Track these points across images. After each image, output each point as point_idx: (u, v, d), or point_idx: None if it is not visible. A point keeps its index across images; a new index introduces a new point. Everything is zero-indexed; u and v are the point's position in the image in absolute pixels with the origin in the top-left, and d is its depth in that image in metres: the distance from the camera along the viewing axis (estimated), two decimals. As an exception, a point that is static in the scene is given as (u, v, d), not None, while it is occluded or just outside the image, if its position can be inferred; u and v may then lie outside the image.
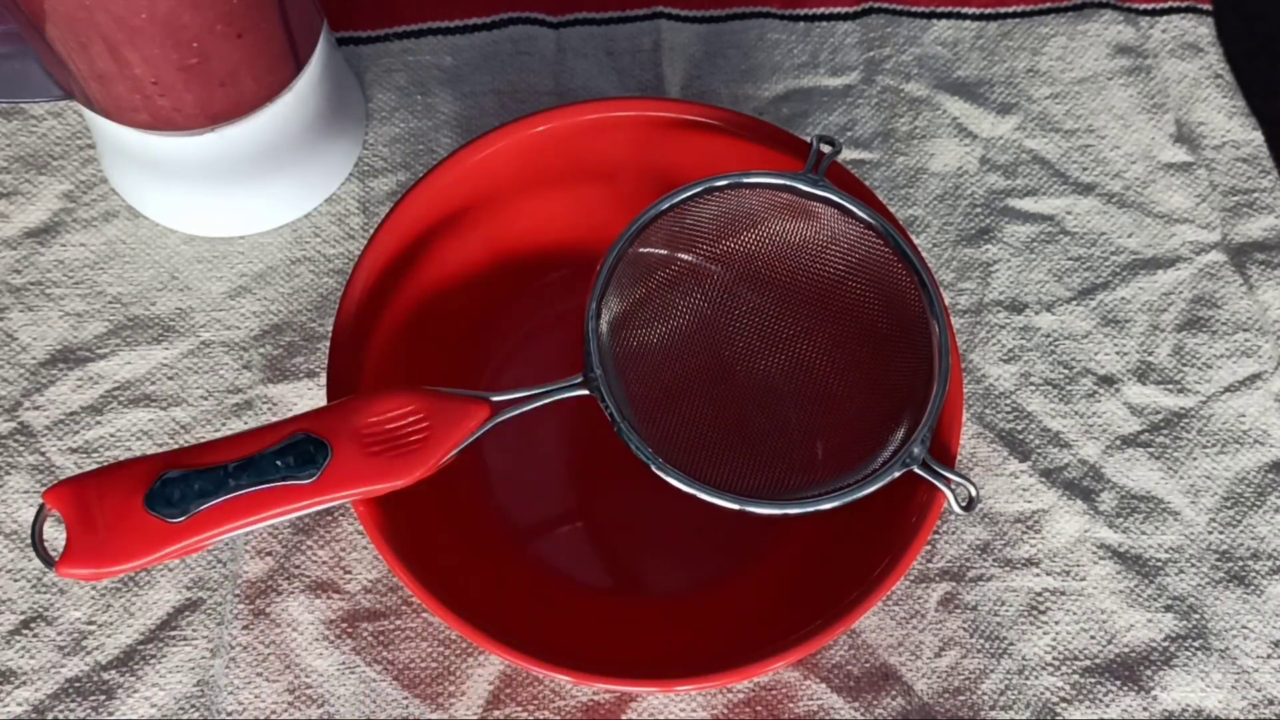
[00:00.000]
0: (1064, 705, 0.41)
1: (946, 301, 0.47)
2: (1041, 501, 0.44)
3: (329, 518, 0.43)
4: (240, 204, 0.48)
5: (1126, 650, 0.42)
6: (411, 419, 0.35)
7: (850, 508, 0.35)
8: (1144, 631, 0.42)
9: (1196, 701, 0.41)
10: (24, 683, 0.40)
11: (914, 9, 0.55)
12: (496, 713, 0.40)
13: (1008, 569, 0.43)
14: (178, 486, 0.33)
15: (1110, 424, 0.46)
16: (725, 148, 0.43)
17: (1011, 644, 0.42)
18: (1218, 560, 0.44)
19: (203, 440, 0.44)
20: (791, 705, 0.41)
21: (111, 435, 0.44)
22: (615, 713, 0.40)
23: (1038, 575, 0.43)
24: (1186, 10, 0.55)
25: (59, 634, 0.41)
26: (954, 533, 0.44)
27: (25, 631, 0.41)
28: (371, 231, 0.42)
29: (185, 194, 0.47)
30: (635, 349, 0.39)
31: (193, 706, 0.40)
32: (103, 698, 0.40)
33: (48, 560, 0.33)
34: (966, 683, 0.41)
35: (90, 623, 0.41)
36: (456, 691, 0.41)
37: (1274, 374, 0.47)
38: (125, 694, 0.40)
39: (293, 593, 0.42)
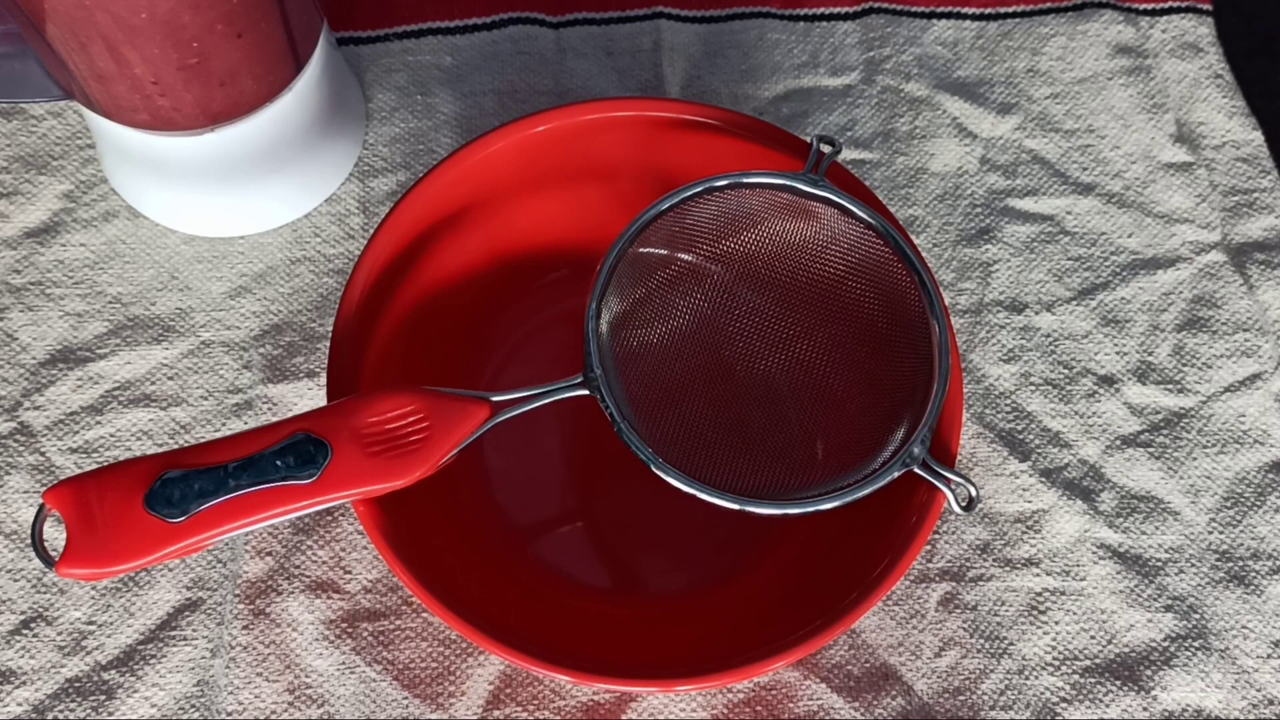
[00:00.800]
0: (1064, 705, 0.41)
1: (946, 301, 0.47)
2: (1041, 501, 0.44)
3: (329, 518, 0.43)
4: (240, 204, 0.48)
5: (1126, 650, 0.42)
6: (411, 419, 0.35)
7: (850, 508, 0.35)
8: (1144, 631, 0.42)
9: (1196, 701, 0.41)
10: (24, 683, 0.40)
11: (914, 9, 0.55)
12: (496, 713, 0.40)
13: (1008, 569, 0.43)
14: (178, 486, 0.33)
15: (1110, 424, 0.46)
16: (725, 148, 0.43)
17: (1011, 644, 0.42)
18: (1218, 560, 0.44)
19: (203, 440, 0.44)
20: (791, 705, 0.41)
21: (111, 435, 0.44)
22: (615, 713, 0.40)
23: (1038, 575, 0.43)
24: (1186, 10, 0.55)
25: (59, 634, 0.41)
26: (954, 533, 0.44)
27: (25, 631, 0.41)
28: (371, 231, 0.42)
29: (185, 194, 0.47)
30: (635, 349, 0.39)
31: (193, 706, 0.40)
32: (103, 698, 0.40)
33: (48, 560, 0.33)
34: (966, 683, 0.41)
35: (90, 623, 0.41)
36: (456, 691, 0.41)
37: (1274, 374, 0.47)
38: (125, 694, 0.40)
39: (293, 593, 0.42)
